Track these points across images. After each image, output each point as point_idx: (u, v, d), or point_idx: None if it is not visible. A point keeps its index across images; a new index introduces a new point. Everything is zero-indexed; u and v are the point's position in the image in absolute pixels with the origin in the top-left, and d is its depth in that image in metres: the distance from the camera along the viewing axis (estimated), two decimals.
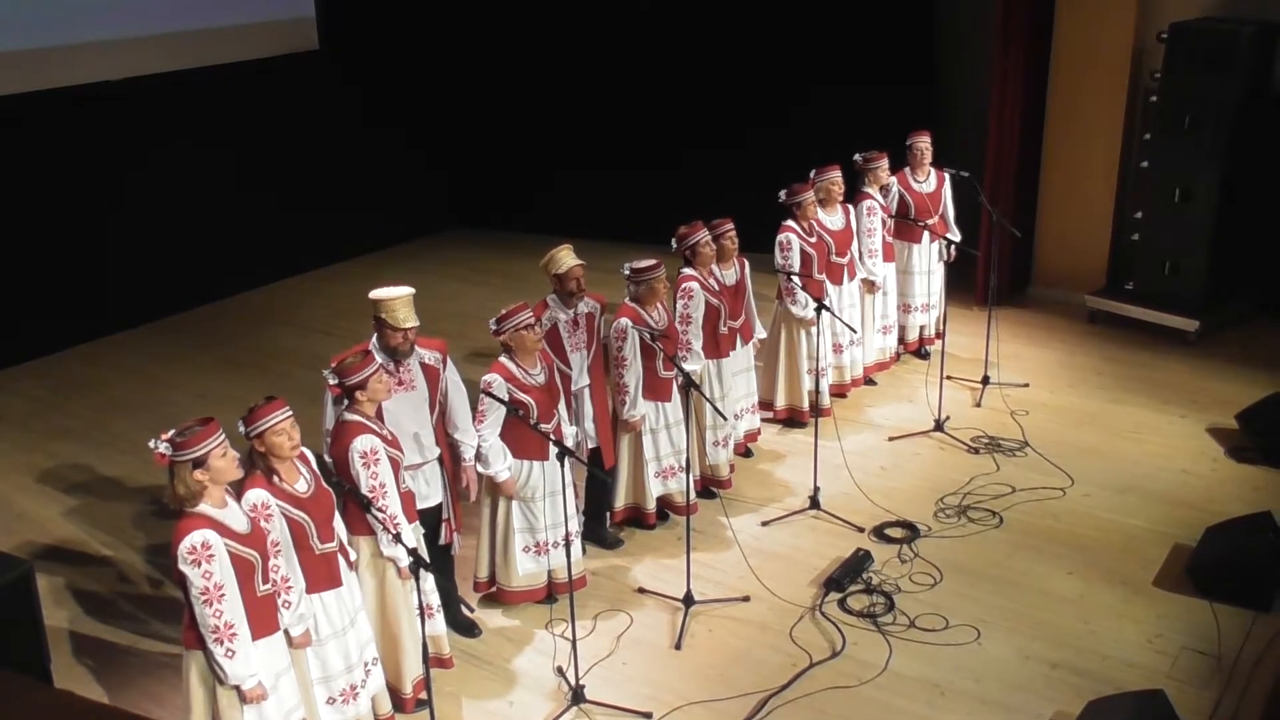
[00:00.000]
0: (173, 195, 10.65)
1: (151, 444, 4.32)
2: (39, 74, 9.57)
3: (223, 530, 4.34)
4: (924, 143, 8.72)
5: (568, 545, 5.70)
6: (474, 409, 5.86)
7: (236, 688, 4.42)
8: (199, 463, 4.31)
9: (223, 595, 4.29)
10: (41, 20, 9.56)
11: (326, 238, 12.08)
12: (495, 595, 6.24)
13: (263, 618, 4.50)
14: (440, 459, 5.82)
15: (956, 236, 8.84)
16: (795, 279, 7.54)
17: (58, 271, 9.88)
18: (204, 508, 4.36)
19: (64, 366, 9.79)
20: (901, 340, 9.19)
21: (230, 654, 4.34)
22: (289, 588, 4.67)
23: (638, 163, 12.07)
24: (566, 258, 6.43)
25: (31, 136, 9.66)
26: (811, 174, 8.12)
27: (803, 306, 7.71)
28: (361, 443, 5.03)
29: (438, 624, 5.54)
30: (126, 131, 10.26)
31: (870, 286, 8.51)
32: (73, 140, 9.91)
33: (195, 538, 4.26)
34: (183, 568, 4.27)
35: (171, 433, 4.32)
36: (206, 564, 4.25)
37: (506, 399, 5.68)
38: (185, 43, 10.55)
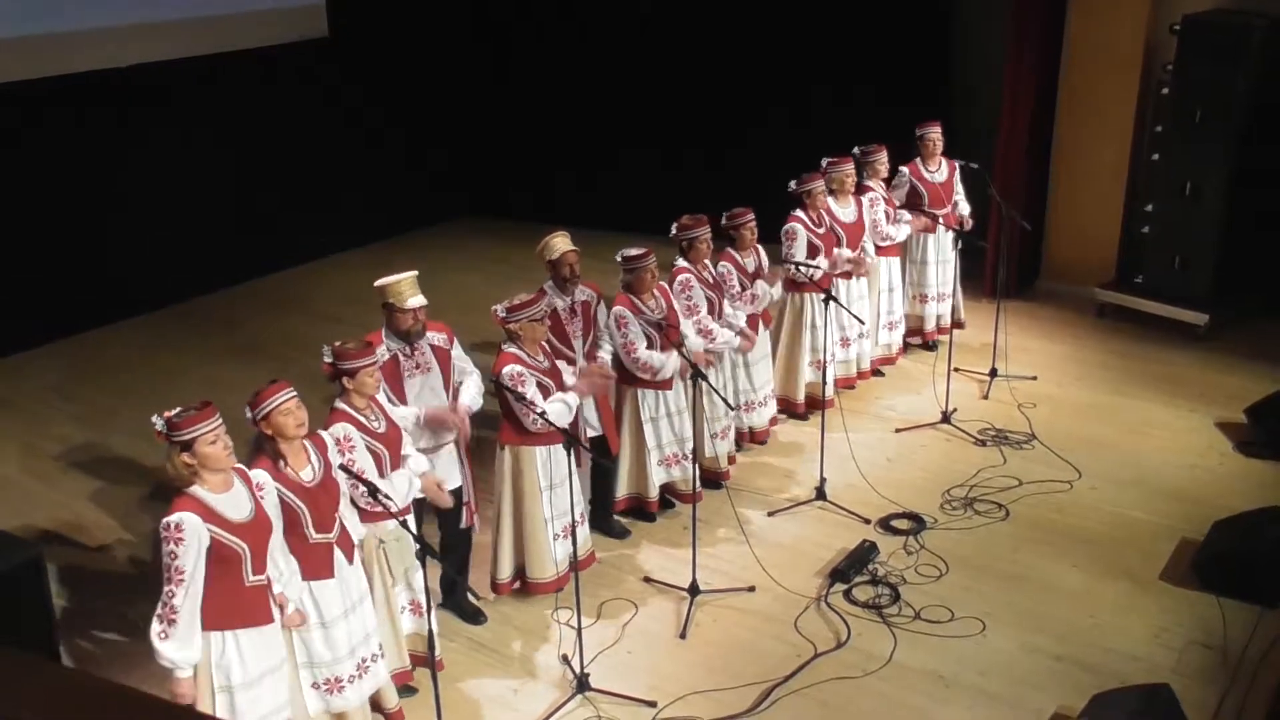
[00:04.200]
0: (184, 181, 10.67)
1: (154, 419, 4.35)
2: (51, 60, 9.60)
3: (210, 516, 4.30)
4: (935, 133, 8.70)
5: (574, 528, 5.70)
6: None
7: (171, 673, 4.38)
8: (186, 446, 4.31)
9: (182, 580, 4.25)
10: (56, 6, 9.59)
11: (337, 225, 12.11)
12: (525, 589, 6.17)
13: (250, 609, 4.45)
14: (457, 440, 5.85)
15: (969, 223, 8.79)
16: (800, 269, 7.54)
17: (68, 257, 9.90)
18: (197, 490, 4.34)
19: (73, 352, 9.83)
20: (920, 332, 9.15)
21: (163, 635, 4.29)
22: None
23: (650, 154, 12.06)
24: (560, 244, 6.46)
25: (45, 122, 9.69)
26: (823, 164, 8.13)
27: (810, 270, 7.64)
28: (335, 430, 5.03)
29: (423, 623, 5.45)
30: (139, 117, 10.29)
31: (859, 266, 8.16)
32: (86, 126, 9.94)
33: (174, 517, 4.26)
34: (161, 544, 4.28)
35: (174, 412, 4.33)
36: (175, 545, 4.23)
37: (527, 393, 5.68)
38: (196, 30, 10.57)
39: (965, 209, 8.86)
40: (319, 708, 4.94)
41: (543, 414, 5.61)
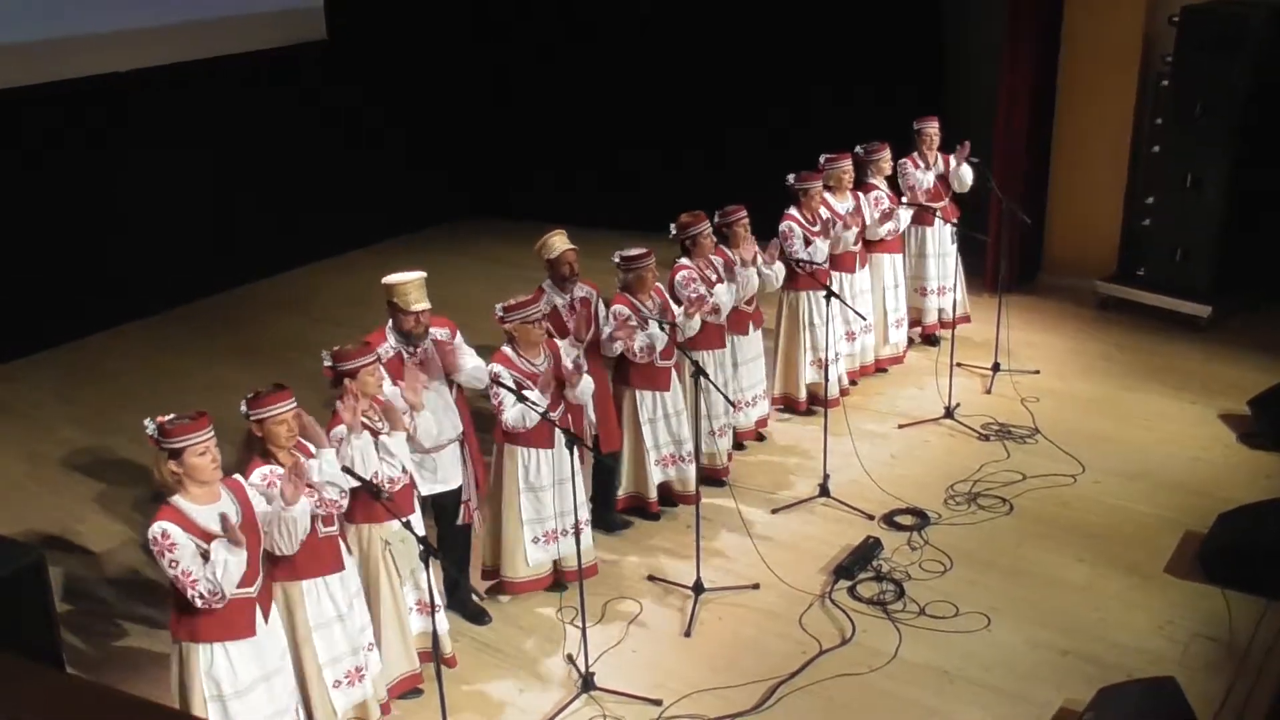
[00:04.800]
0: (184, 184, 10.68)
1: (146, 423, 4.31)
2: (49, 65, 9.62)
3: (190, 527, 4.27)
4: (933, 128, 8.69)
5: (578, 534, 5.70)
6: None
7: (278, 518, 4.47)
8: (175, 454, 4.27)
9: (195, 579, 4.24)
10: (55, 12, 9.61)
11: (338, 227, 12.12)
12: (500, 585, 6.23)
13: (233, 621, 4.42)
14: (463, 440, 5.86)
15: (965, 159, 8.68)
16: (801, 264, 7.52)
17: (70, 261, 9.91)
18: (180, 500, 4.31)
19: (75, 356, 9.83)
20: (919, 324, 9.15)
21: (219, 595, 4.28)
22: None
23: (650, 153, 12.05)
24: (558, 242, 6.47)
25: (45, 127, 9.69)
26: (821, 160, 8.11)
27: (811, 265, 7.66)
28: (340, 430, 5.05)
29: (430, 622, 5.46)
30: (138, 122, 10.30)
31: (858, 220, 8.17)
32: (85, 131, 9.95)
33: (155, 528, 4.24)
34: (155, 556, 4.27)
35: (167, 418, 4.30)
36: (170, 553, 4.22)
37: (514, 387, 5.68)
38: (195, 33, 10.60)
39: (968, 174, 8.72)
40: (345, 704, 4.99)
41: (546, 410, 5.63)
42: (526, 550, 6.07)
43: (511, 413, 5.74)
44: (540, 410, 5.64)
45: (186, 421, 4.29)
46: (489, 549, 6.20)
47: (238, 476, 4.57)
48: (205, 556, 4.29)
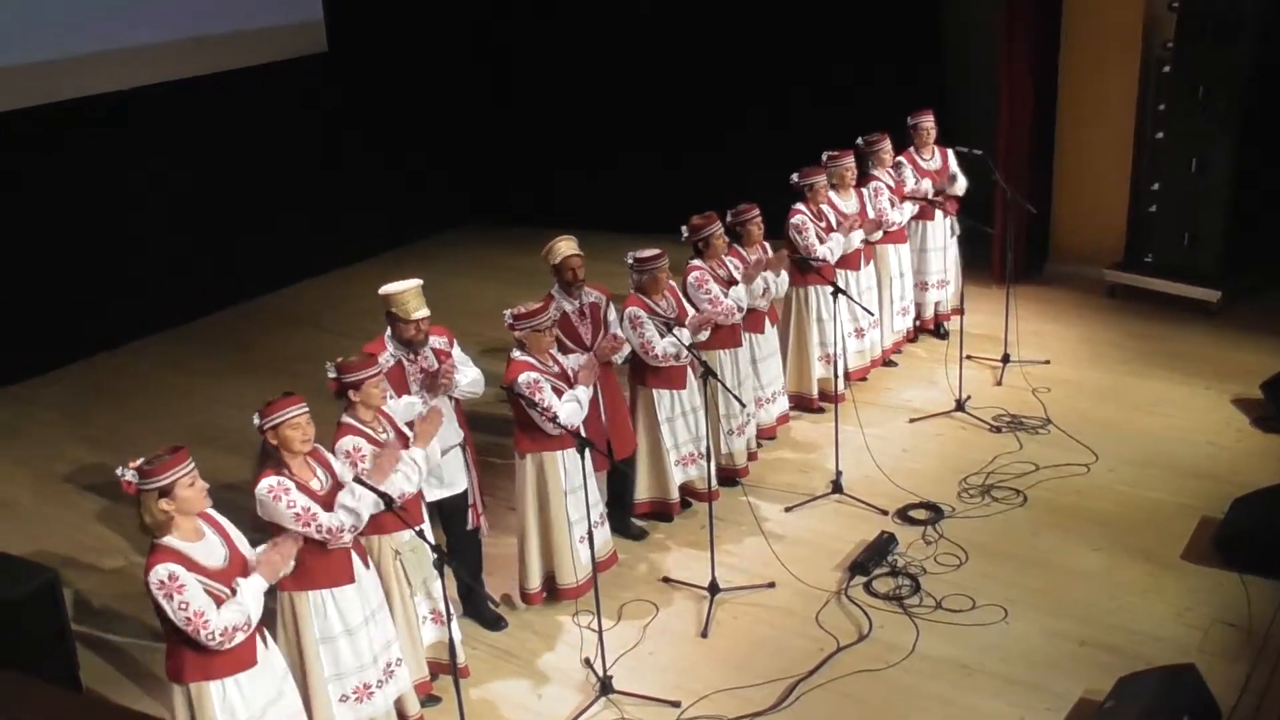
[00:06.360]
0: (189, 200, 10.70)
1: (119, 471, 4.22)
2: (51, 85, 9.62)
3: (190, 565, 4.21)
4: (928, 122, 8.69)
5: (590, 532, 5.68)
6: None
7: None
8: (165, 492, 4.19)
9: (206, 619, 4.17)
10: (55, 33, 9.62)
11: (343, 238, 12.12)
12: (556, 596, 6.14)
13: (238, 653, 4.36)
14: (463, 445, 5.86)
15: (961, 181, 8.75)
16: (815, 262, 7.51)
17: (78, 280, 9.92)
18: (172, 540, 4.23)
19: (85, 375, 9.84)
20: (918, 317, 9.14)
21: (237, 631, 4.25)
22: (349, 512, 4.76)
23: (651, 154, 12.04)
24: (563, 247, 6.44)
25: (50, 149, 9.70)
26: (824, 158, 8.10)
27: (831, 252, 7.77)
28: (345, 443, 5.05)
29: (445, 631, 5.39)
30: (142, 139, 10.31)
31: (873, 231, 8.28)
32: (89, 150, 9.95)
33: (160, 572, 4.15)
34: (158, 601, 4.18)
35: (140, 461, 4.22)
36: (179, 595, 4.14)
37: (545, 399, 5.67)
38: (195, 50, 10.60)
39: (963, 180, 8.79)
40: (352, 719, 4.95)
41: (555, 418, 5.61)
42: (575, 552, 6.03)
43: (566, 410, 5.72)
44: (551, 414, 5.63)
45: (167, 458, 4.23)
46: (538, 563, 6.06)
47: (212, 511, 4.48)
48: (211, 595, 4.24)
